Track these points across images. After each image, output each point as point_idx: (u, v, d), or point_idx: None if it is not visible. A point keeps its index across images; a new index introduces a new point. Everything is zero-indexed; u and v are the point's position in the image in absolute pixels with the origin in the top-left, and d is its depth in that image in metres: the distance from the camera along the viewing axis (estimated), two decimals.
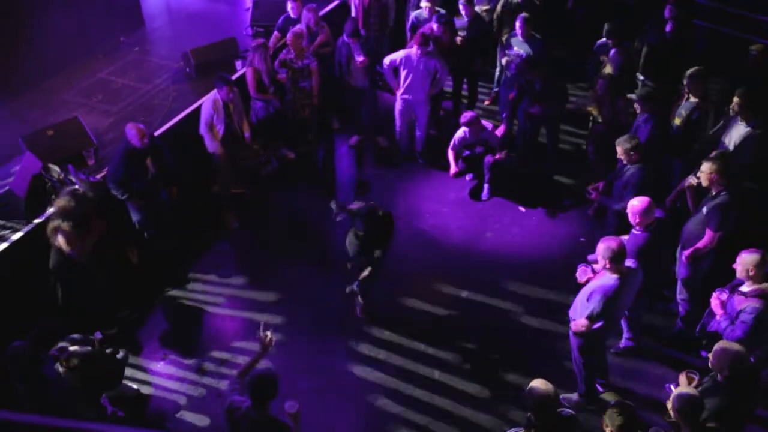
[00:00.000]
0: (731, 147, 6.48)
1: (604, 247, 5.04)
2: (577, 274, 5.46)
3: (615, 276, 5.06)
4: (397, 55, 8.01)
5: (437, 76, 7.99)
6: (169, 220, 7.09)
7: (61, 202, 5.83)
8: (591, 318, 5.14)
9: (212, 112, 7.26)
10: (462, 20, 8.53)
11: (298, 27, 8.18)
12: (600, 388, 5.94)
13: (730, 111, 6.56)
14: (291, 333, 6.56)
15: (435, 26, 8.11)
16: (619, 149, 6.30)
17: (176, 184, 7.02)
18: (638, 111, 6.90)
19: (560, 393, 5.24)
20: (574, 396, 5.85)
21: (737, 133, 6.49)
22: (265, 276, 7.20)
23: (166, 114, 8.25)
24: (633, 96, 6.93)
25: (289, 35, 8.05)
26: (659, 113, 6.90)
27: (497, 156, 7.86)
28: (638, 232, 5.58)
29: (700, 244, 5.84)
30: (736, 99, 6.43)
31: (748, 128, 6.41)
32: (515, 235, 7.64)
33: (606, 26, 7.95)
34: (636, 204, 5.52)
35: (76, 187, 5.83)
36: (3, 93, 8.30)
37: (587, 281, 5.34)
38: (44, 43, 8.61)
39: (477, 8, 8.75)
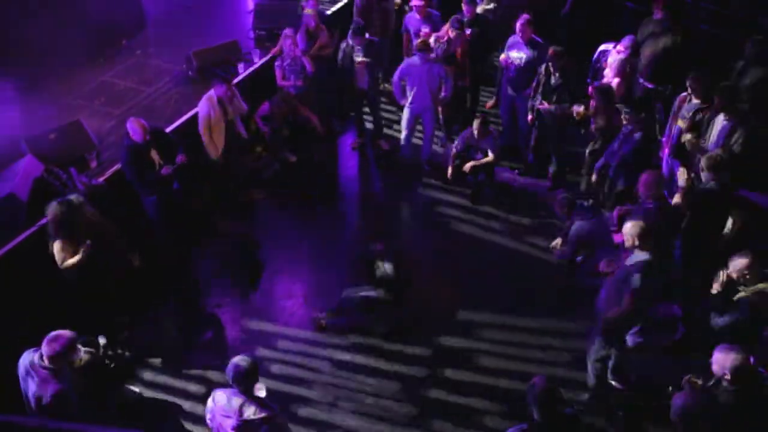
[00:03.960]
0: (714, 142, 6.51)
1: (631, 224, 5.07)
2: (601, 266, 5.47)
3: (646, 252, 5.07)
4: (401, 67, 8.03)
5: (442, 82, 7.96)
6: (182, 213, 7.17)
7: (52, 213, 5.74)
8: (634, 294, 5.06)
9: (208, 110, 7.27)
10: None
11: (291, 30, 8.23)
12: (619, 386, 5.95)
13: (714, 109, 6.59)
14: (293, 336, 6.59)
15: (451, 33, 8.12)
16: None
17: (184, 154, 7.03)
18: (625, 122, 6.90)
19: (563, 391, 5.26)
20: (584, 396, 5.84)
21: (719, 128, 6.51)
22: (266, 278, 7.21)
23: (169, 117, 8.26)
24: (623, 107, 6.96)
25: (286, 42, 8.08)
26: (648, 125, 6.94)
27: (482, 161, 7.80)
28: (649, 205, 5.63)
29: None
30: (715, 96, 6.45)
31: (729, 123, 6.42)
32: (516, 237, 7.63)
33: (627, 39, 7.90)
34: (645, 177, 5.64)
35: (70, 198, 5.76)
36: (5, 96, 8.32)
37: (612, 272, 5.36)
38: (46, 47, 8.63)
39: (479, 8, 8.75)
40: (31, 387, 4.75)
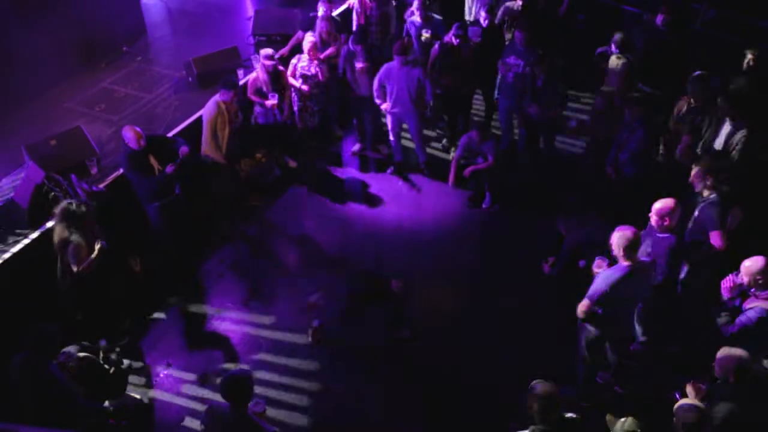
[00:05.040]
0: (721, 149, 6.51)
1: (618, 235, 5.05)
2: (594, 266, 5.49)
3: (626, 264, 5.05)
4: (380, 72, 8.01)
5: (422, 85, 7.92)
6: (184, 219, 7.20)
7: (60, 223, 5.82)
8: (591, 299, 5.12)
9: (215, 113, 7.29)
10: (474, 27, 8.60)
11: (311, 34, 8.28)
12: (620, 390, 5.98)
13: (719, 113, 6.60)
14: (293, 342, 6.57)
15: (454, 40, 8.14)
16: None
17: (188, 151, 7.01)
18: (628, 116, 6.90)
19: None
20: (570, 390, 5.85)
21: (726, 135, 6.52)
22: (267, 284, 7.21)
23: (169, 123, 8.27)
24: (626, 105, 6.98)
25: (307, 46, 8.12)
26: (651, 119, 6.93)
27: (482, 165, 7.83)
28: (664, 235, 5.55)
29: (715, 242, 5.78)
30: (721, 101, 6.46)
31: (736, 130, 6.43)
32: (517, 240, 7.64)
33: (616, 36, 7.92)
34: (660, 205, 5.51)
35: (70, 202, 5.83)
36: (5, 102, 8.31)
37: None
38: (47, 53, 8.62)
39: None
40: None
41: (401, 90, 7.94)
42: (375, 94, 8.16)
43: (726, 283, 5.13)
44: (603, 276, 5.10)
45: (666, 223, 5.47)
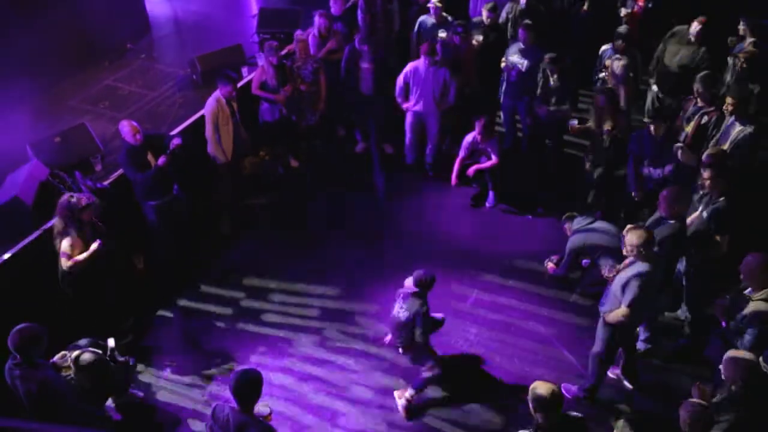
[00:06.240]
0: (729, 148, 6.49)
1: (634, 235, 5.10)
2: (604, 271, 5.54)
3: (646, 263, 5.12)
4: (406, 70, 8.02)
5: (447, 86, 7.95)
6: (184, 219, 7.18)
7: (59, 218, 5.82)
8: (630, 306, 5.18)
9: (215, 109, 7.30)
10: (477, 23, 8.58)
11: (302, 33, 8.25)
12: (629, 385, 6.00)
13: (725, 112, 6.58)
14: (294, 342, 6.58)
15: (455, 39, 8.14)
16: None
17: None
18: (653, 131, 6.80)
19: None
20: (574, 388, 5.87)
21: (733, 133, 6.51)
22: (268, 283, 7.22)
23: (173, 121, 8.28)
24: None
25: (295, 42, 8.11)
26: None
27: (485, 164, 7.82)
28: (672, 221, 5.64)
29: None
30: (729, 99, 6.45)
31: (742, 127, 6.43)
32: (520, 239, 7.64)
33: (618, 31, 7.89)
34: (669, 193, 5.63)
35: (71, 195, 5.84)
36: (10, 100, 8.34)
37: (616, 275, 5.39)
38: (51, 50, 8.65)
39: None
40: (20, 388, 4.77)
41: (426, 90, 7.96)
42: (397, 91, 8.18)
43: (718, 307, 5.21)
44: (635, 282, 5.12)
45: (675, 210, 5.60)
